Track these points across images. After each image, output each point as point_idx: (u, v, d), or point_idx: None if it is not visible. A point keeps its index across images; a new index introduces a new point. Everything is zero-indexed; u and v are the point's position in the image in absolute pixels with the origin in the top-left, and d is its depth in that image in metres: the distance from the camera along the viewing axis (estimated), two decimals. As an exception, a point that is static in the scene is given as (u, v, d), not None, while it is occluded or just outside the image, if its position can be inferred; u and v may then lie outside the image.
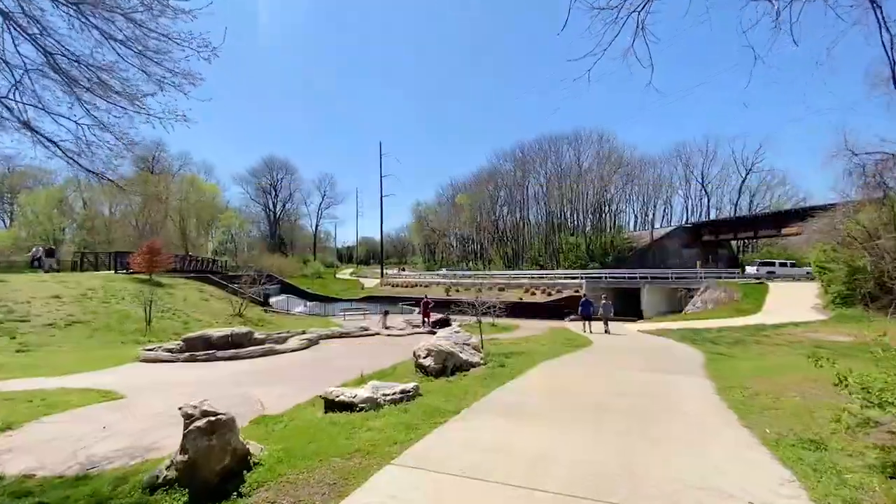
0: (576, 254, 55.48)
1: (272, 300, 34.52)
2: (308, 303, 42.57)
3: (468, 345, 9.21)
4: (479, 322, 11.83)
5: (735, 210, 58.28)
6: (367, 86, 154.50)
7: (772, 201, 57.54)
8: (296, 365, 11.65)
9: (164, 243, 53.10)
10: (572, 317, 27.45)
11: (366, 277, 72.37)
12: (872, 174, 22.70)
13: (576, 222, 62.32)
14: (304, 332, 18.09)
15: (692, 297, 32.26)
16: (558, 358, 10.07)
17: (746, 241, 52.45)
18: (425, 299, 22.64)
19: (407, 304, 40.54)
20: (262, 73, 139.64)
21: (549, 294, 38.57)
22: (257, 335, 16.65)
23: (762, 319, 19.49)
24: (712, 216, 58.80)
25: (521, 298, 39.52)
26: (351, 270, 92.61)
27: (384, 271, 70.57)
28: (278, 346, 14.12)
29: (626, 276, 38.47)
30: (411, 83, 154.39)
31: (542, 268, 55.73)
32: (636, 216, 65.89)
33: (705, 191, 62.12)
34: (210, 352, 12.57)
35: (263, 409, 7.72)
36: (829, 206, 26.56)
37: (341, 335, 17.57)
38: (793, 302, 24.63)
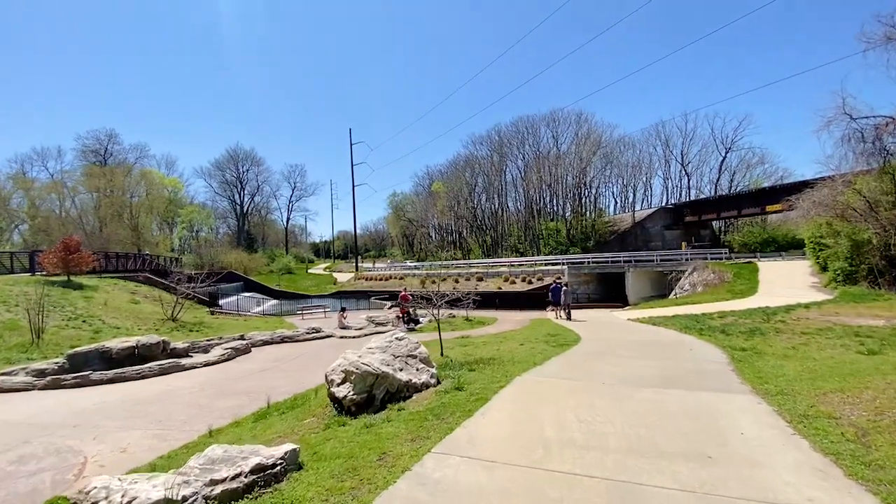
0: (556, 239, 53.39)
1: (227, 300, 31.18)
2: (271, 301, 39.26)
3: (414, 357, 6.52)
4: (438, 321, 9.14)
5: (715, 190, 56.94)
6: (341, 74, 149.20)
7: (751, 180, 56.39)
8: (192, 389, 8.78)
9: (115, 241, 49.04)
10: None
11: (340, 272, 69.13)
12: (872, 139, 20.88)
13: (555, 207, 60.20)
14: (241, 338, 15.20)
15: (679, 279, 30.38)
16: (540, 366, 7.51)
17: (729, 220, 51.17)
18: (403, 292, 19.59)
19: (379, 298, 37.77)
20: (229, 62, 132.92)
21: (530, 282, 36.25)
22: (178, 344, 13.71)
23: (763, 301, 17.40)
24: (692, 196, 57.36)
25: (500, 288, 37.15)
26: (326, 265, 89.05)
27: (359, 265, 67.40)
28: (186, 361, 11.19)
29: (610, 260, 36.47)
30: (385, 71, 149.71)
31: (521, 255, 53.47)
32: (616, 199, 64.13)
33: (685, 171, 60.64)
34: (83, 373, 9.56)
35: (77, 477, 4.89)
36: (819, 179, 24.68)
37: (283, 340, 14.69)
38: (787, 281, 22.83)
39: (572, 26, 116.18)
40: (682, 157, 60.47)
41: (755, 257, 33.00)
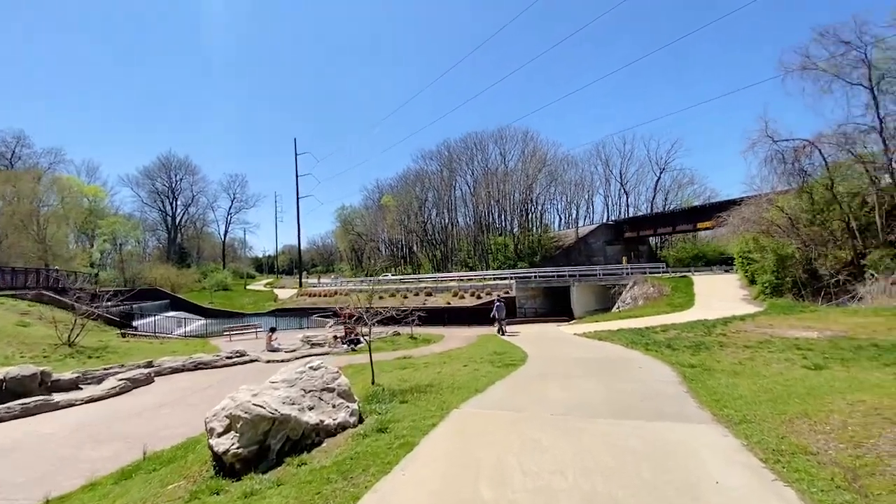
0: (504, 254, 53.76)
1: (145, 321, 27.94)
2: (199, 321, 35.93)
3: (331, 390, 5.39)
4: (369, 343, 8.01)
5: (651, 207, 60.12)
6: (287, 83, 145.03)
7: (682, 199, 60.16)
8: (60, 434, 7.06)
9: (18, 255, 43.16)
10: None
11: (283, 288, 65.54)
12: (791, 161, 22.44)
13: (503, 223, 60.85)
14: (147, 365, 13.14)
15: (622, 293, 31.08)
16: (482, 394, 6.63)
17: (664, 236, 53.93)
18: (344, 310, 15.45)
19: (322, 316, 35.61)
20: (165, 65, 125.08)
21: (479, 297, 35.75)
22: (64, 375, 11.60)
23: (701, 314, 17.80)
24: (631, 214, 60.21)
25: (448, 303, 36.32)
26: (268, 281, 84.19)
27: (303, 280, 64.24)
28: (64, 397, 9.26)
29: (556, 274, 36.86)
30: (335, 79, 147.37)
31: (471, 269, 53.20)
32: (560, 216, 66.07)
33: (624, 189, 63.74)
34: None
35: None
36: (745, 198, 26.14)
37: (196, 366, 12.82)
38: (721, 294, 23.79)
39: (542, 36, 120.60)
40: (621, 177, 63.63)
41: (689, 271, 34.58)
